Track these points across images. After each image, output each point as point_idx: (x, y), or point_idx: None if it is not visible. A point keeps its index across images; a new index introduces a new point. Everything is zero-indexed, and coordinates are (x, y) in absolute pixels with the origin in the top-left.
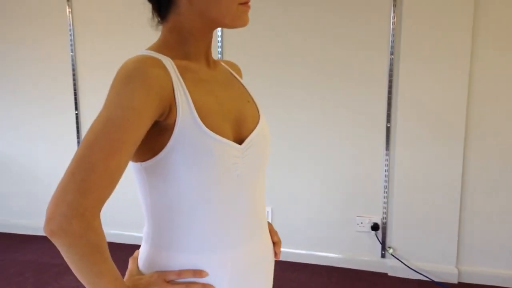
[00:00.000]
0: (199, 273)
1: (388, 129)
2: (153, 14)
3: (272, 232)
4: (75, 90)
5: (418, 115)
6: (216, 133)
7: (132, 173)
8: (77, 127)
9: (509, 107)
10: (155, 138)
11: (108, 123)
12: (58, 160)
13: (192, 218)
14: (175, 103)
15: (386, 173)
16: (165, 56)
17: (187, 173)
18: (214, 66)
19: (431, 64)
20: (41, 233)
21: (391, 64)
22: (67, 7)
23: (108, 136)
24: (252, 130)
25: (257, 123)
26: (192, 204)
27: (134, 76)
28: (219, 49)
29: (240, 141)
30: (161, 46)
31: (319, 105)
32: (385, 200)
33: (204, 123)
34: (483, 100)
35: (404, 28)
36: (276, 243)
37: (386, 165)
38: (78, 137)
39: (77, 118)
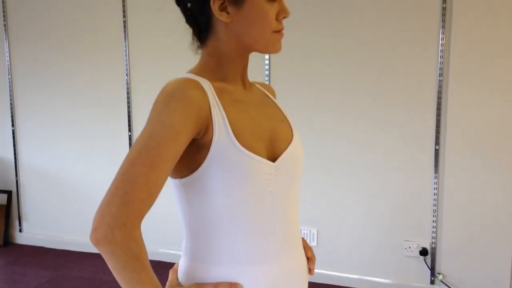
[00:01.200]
0: (234, 286)
1: (436, 152)
2: (193, 38)
3: (306, 247)
4: (129, 113)
5: (468, 137)
6: (250, 151)
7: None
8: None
9: None
10: (193, 156)
11: (150, 140)
12: (112, 179)
13: (227, 232)
14: (212, 122)
15: (435, 196)
16: (203, 79)
17: (222, 189)
18: (249, 87)
19: (481, 85)
20: (95, 250)
21: (440, 86)
22: (123, 32)
23: (149, 152)
24: (285, 149)
25: (290, 141)
26: (227, 219)
27: (174, 97)
28: (266, 72)
29: (273, 159)
30: (201, 69)
31: (367, 126)
32: (434, 224)
33: (239, 141)
34: None
35: (453, 50)
36: (310, 259)
37: (435, 188)
38: None
39: (130, 139)
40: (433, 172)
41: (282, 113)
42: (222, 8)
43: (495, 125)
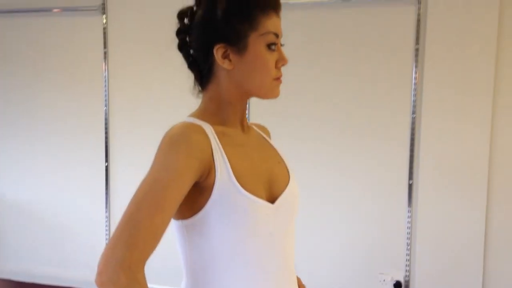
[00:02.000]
0: None
1: (410, 186)
2: (194, 83)
3: (301, 286)
4: (106, 144)
5: (441, 172)
6: (251, 193)
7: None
8: (106, 179)
9: None
10: (195, 198)
11: (154, 184)
12: (87, 211)
13: (227, 273)
14: (214, 165)
15: (409, 230)
16: (205, 122)
17: (223, 230)
18: (248, 130)
19: (453, 122)
20: (68, 283)
21: (413, 123)
22: (103, 63)
23: (154, 196)
24: (283, 190)
25: (288, 182)
26: (227, 260)
27: (178, 141)
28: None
29: (272, 200)
30: (202, 113)
31: (341, 162)
32: (408, 257)
33: (240, 184)
34: (506, 158)
35: (425, 88)
36: None
37: (408, 222)
38: (106, 188)
39: (106, 170)
40: (407, 206)
41: (279, 154)
42: (225, 56)
43: (467, 160)
